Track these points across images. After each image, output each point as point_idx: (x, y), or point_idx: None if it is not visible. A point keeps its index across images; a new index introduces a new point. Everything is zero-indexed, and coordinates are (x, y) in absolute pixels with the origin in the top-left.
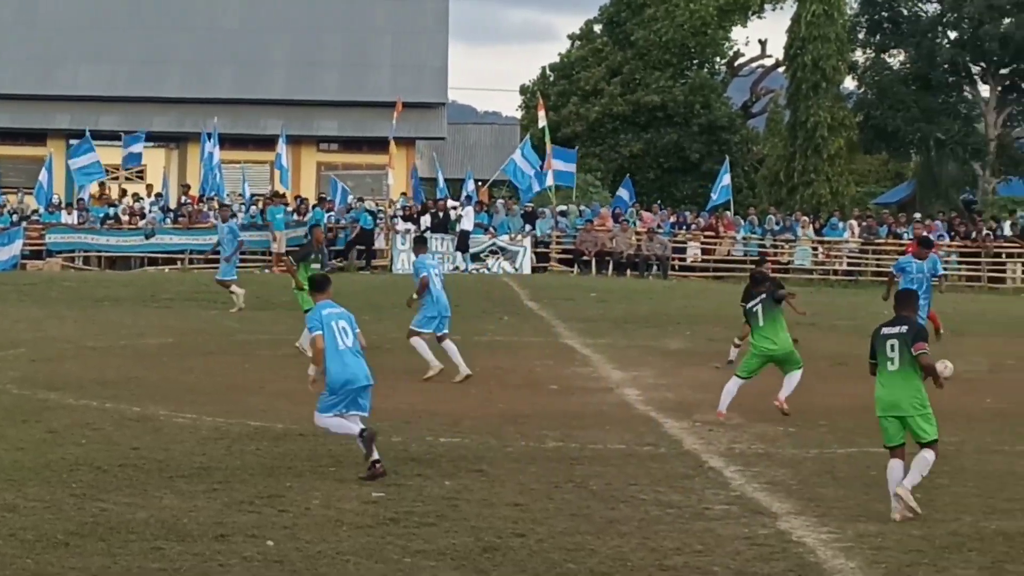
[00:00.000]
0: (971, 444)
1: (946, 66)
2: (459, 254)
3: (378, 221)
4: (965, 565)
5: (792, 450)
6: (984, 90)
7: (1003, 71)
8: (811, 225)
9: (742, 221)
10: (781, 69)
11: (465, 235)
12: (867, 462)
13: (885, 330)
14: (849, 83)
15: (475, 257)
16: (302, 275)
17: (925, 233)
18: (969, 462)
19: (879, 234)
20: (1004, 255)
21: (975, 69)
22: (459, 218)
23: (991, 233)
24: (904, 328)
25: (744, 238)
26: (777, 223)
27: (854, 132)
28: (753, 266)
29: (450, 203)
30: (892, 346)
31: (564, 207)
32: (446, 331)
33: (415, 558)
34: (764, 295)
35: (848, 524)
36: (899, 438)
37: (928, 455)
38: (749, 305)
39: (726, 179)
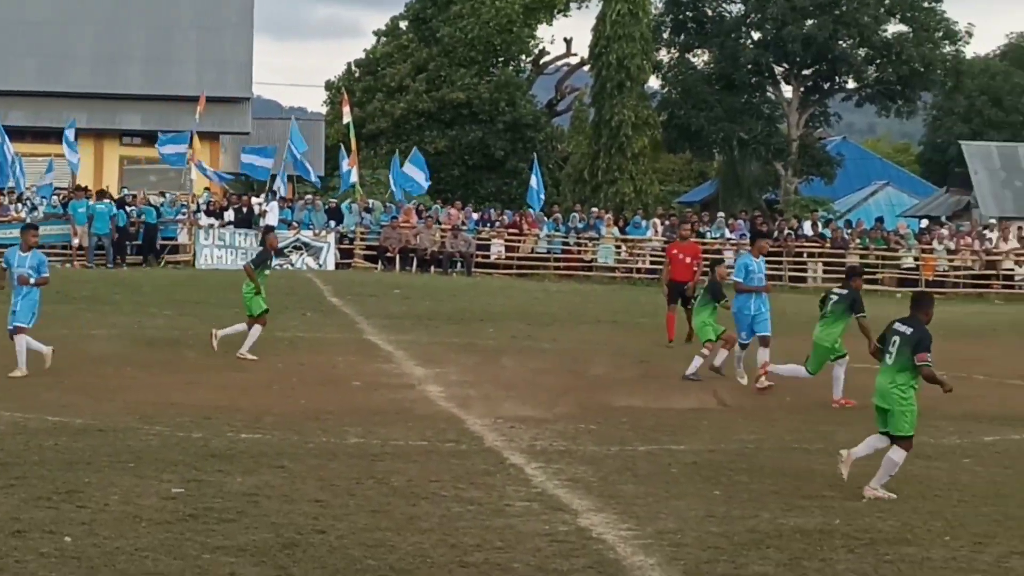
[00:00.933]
0: (770, 442)
1: (749, 66)
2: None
3: (179, 216)
4: (763, 562)
5: (593, 447)
6: (787, 91)
7: (805, 72)
8: (614, 223)
9: (546, 219)
10: (586, 68)
11: (270, 230)
12: (667, 460)
13: (896, 325)
14: (654, 82)
15: (279, 252)
16: (261, 279)
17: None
18: (768, 460)
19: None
20: (805, 255)
21: (778, 70)
22: (263, 213)
23: (792, 233)
24: (911, 331)
25: (548, 236)
26: (581, 221)
27: (658, 131)
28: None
29: (255, 200)
30: (894, 342)
31: (369, 203)
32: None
33: (215, 554)
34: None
35: (648, 521)
36: (883, 427)
37: (896, 455)
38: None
39: (533, 181)
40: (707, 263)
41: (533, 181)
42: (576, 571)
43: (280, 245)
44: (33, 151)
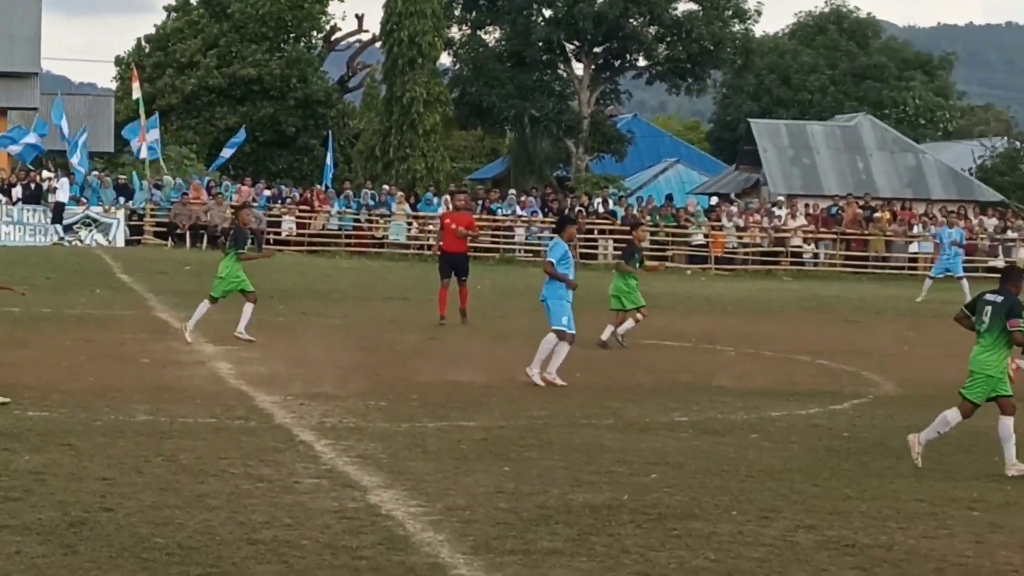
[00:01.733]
0: (560, 418)
1: (541, 44)
2: (55, 226)
3: None
4: (552, 537)
5: (383, 424)
6: (578, 68)
7: (597, 50)
8: (406, 200)
9: (337, 196)
10: (378, 44)
11: (60, 207)
12: (457, 436)
13: (987, 295)
14: (445, 59)
15: (67, 228)
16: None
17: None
18: (557, 435)
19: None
20: (596, 231)
21: (569, 47)
22: (53, 189)
23: (583, 210)
24: (1001, 299)
25: (339, 212)
26: (372, 198)
27: (449, 108)
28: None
29: (45, 174)
30: (986, 311)
31: (160, 179)
32: None
33: (0, 533)
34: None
35: (437, 497)
36: (982, 397)
37: (1007, 423)
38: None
39: (328, 158)
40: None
41: (328, 158)
42: (365, 548)
43: (68, 221)
44: None
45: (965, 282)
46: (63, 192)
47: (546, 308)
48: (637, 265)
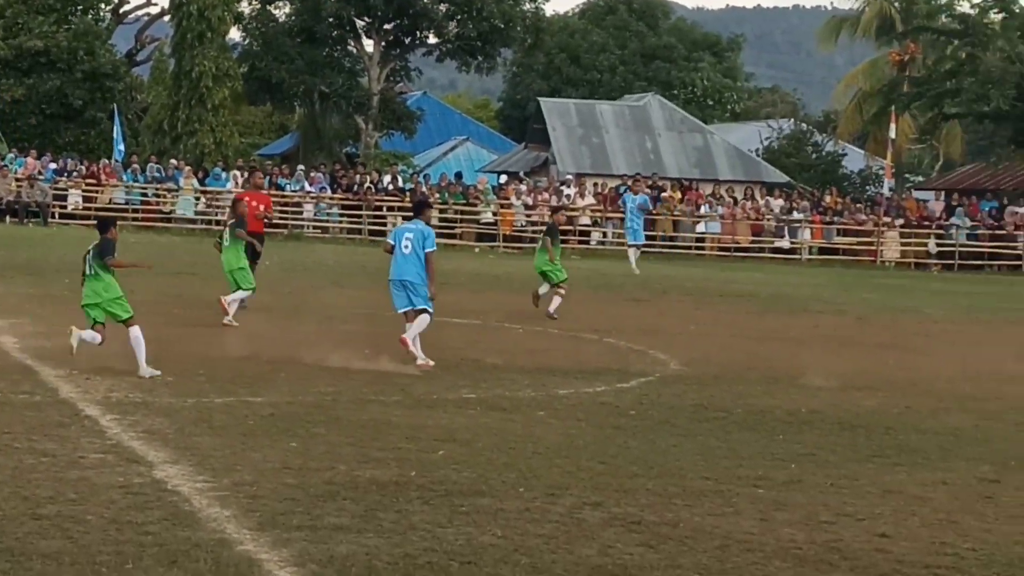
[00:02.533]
0: (348, 394)
1: (331, 20)
2: None
3: None
4: (339, 513)
5: (170, 399)
6: (368, 45)
7: (387, 27)
8: (194, 175)
9: (125, 169)
10: (167, 18)
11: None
12: (245, 412)
13: None
14: (235, 34)
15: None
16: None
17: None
18: (345, 412)
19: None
20: (385, 208)
21: (360, 24)
22: None
23: (373, 186)
24: None
25: (127, 186)
26: (159, 172)
27: (239, 83)
28: (134, 214)
29: None
30: None
31: None
32: None
33: None
34: None
35: (224, 473)
36: None
37: None
38: None
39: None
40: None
41: (116, 132)
42: (151, 523)
43: None
44: None
45: (638, 252)
46: None
47: (414, 290)
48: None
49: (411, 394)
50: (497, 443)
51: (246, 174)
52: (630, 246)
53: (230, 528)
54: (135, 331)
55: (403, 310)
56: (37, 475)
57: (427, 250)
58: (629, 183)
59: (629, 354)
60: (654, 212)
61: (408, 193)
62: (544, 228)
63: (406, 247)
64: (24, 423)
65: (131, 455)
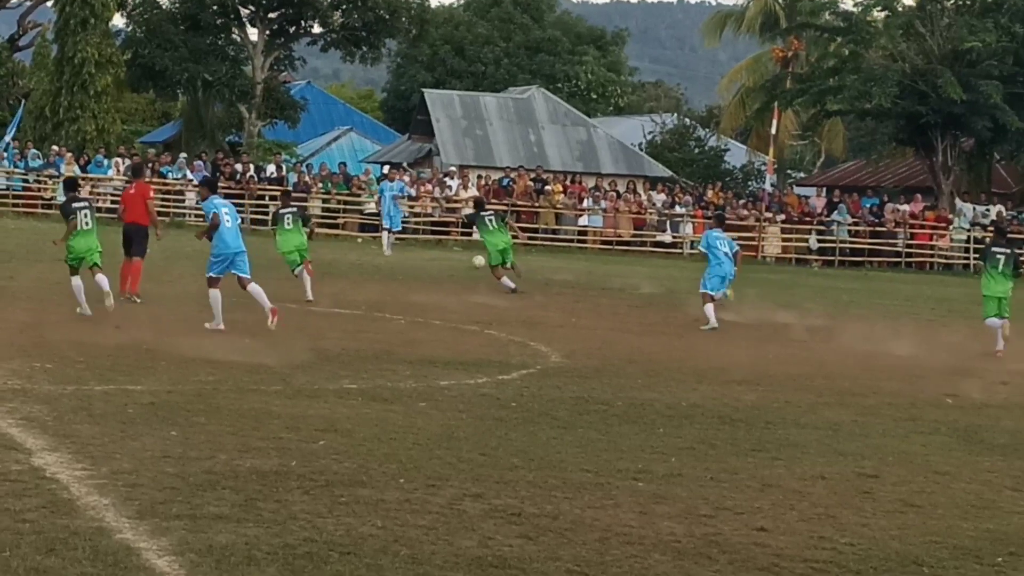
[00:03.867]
0: (228, 383)
1: (215, 7)
2: None
3: None
4: (219, 503)
5: (49, 386)
6: (252, 33)
7: (271, 15)
8: (75, 162)
9: (4, 155)
10: (50, 3)
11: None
12: (124, 400)
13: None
14: (119, 20)
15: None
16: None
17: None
18: (225, 401)
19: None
20: (267, 197)
21: (244, 12)
22: None
23: (255, 176)
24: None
25: (7, 172)
26: (40, 159)
27: (122, 69)
28: (15, 201)
29: None
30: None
31: None
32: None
33: None
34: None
35: (103, 461)
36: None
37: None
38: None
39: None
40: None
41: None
42: (29, 511)
43: None
44: None
45: (392, 237)
46: None
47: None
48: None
49: (292, 384)
50: (378, 434)
51: (127, 161)
52: (385, 230)
53: (109, 516)
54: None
55: (244, 276)
56: None
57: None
58: (386, 172)
59: (510, 346)
60: (535, 205)
61: (290, 183)
62: (494, 213)
63: (227, 220)
64: None
65: (9, 442)
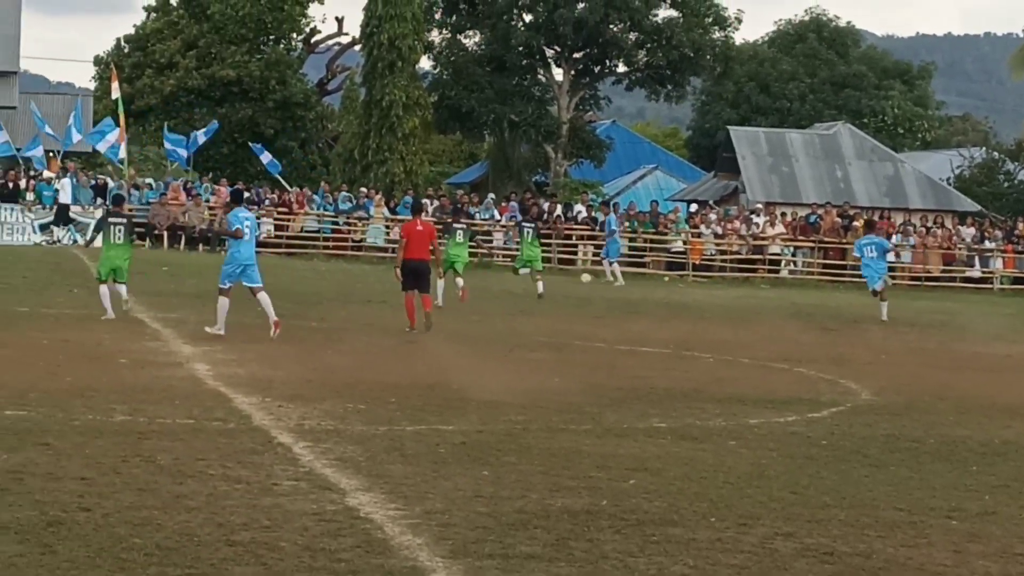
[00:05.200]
0: (538, 423)
1: (521, 48)
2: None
3: None
4: (531, 542)
5: (361, 427)
6: (558, 74)
7: (576, 55)
8: (384, 204)
9: (316, 198)
10: (357, 47)
11: (64, 208)
12: (436, 440)
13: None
14: (425, 63)
15: (44, 228)
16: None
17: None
18: (536, 440)
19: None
20: (575, 237)
21: (549, 52)
22: (58, 191)
23: (562, 216)
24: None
25: (318, 215)
26: (350, 201)
27: (429, 112)
28: (325, 243)
29: (46, 174)
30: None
31: (137, 180)
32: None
33: None
34: None
35: (416, 501)
36: None
37: None
38: None
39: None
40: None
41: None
42: (344, 550)
43: (44, 221)
44: None
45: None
46: (65, 193)
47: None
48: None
49: (601, 423)
50: (688, 472)
51: (435, 203)
52: (605, 259)
53: (422, 556)
54: None
55: (255, 286)
56: (231, 502)
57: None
58: (611, 205)
59: (820, 383)
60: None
61: (598, 223)
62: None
63: (247, 233)
64: (218, 450)
65: (324, 482)
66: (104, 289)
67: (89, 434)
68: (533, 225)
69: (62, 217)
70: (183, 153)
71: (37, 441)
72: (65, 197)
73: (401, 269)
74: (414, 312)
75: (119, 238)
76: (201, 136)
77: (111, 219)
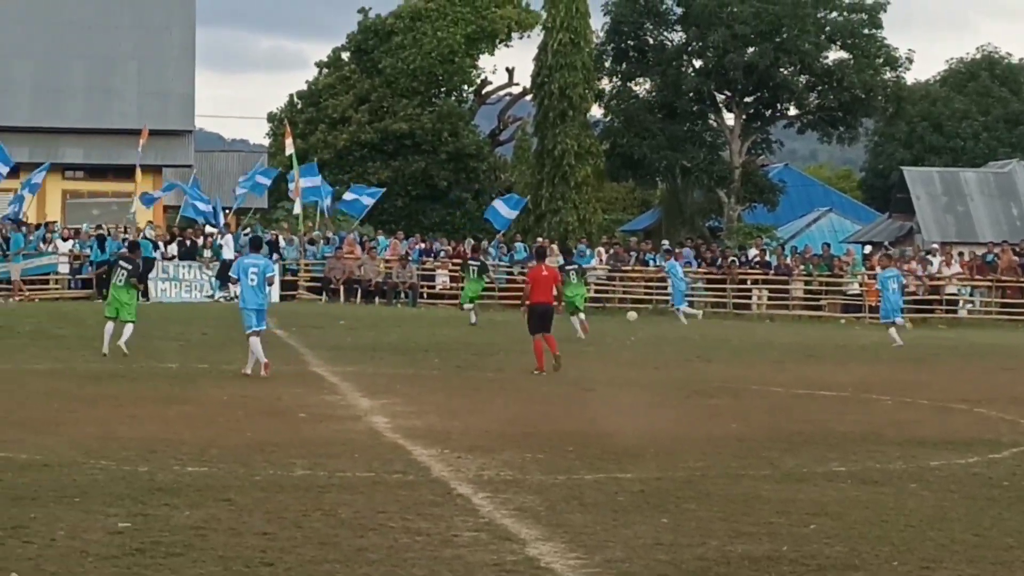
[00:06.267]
0: (717, 469)
1: (691, 94)
2: (220, 283)
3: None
4: None
5: (540, 476)
6: (729, 118)
7: (747, 100)
8: (559, 253)
9: (491, 249)
10: (529, 97)
11: (227, 264)
12: (615, 488)
13: None
14: (596, 111)
15: (222, 284)
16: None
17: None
18: (715, 486)
19: (626, 261)
20: (749, 281)
21: (720, 97)
22: (221, 247)
23: (736, 260)
24: None
25: (493, 266)
26: (525, 251)
27: (601, 160)
28: (500, 293)
29: (208, 228)
30: None
31: (314, 234)
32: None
33: None
34: None
35: (596, 550)
36: None
37: None
38: None
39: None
40: None
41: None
42: None
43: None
44: None
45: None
46: (228, 249)
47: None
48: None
49: (780, 468)
50: (868, 516)
51: (611, 251)
52: (674, 308)
53: None
54: None
55: (254, 329)
56: (412, 554)
57: (268, 274)
58: (675, 250)
59: (1000, 424)
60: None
61: (772, 267)
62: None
63: (252, 279)
64: (398, 502)
65: (504, 533)
66: (109, 326)
67: (270, 489)
68: (479, 263)
69: (224, 273)
70: (368, 201)
71: (219, 497)
72: (228, 253)
73: (528, 313)
74: (542, 355)
75: (121, 281)
76: (367, 198)
77: (120, 263)
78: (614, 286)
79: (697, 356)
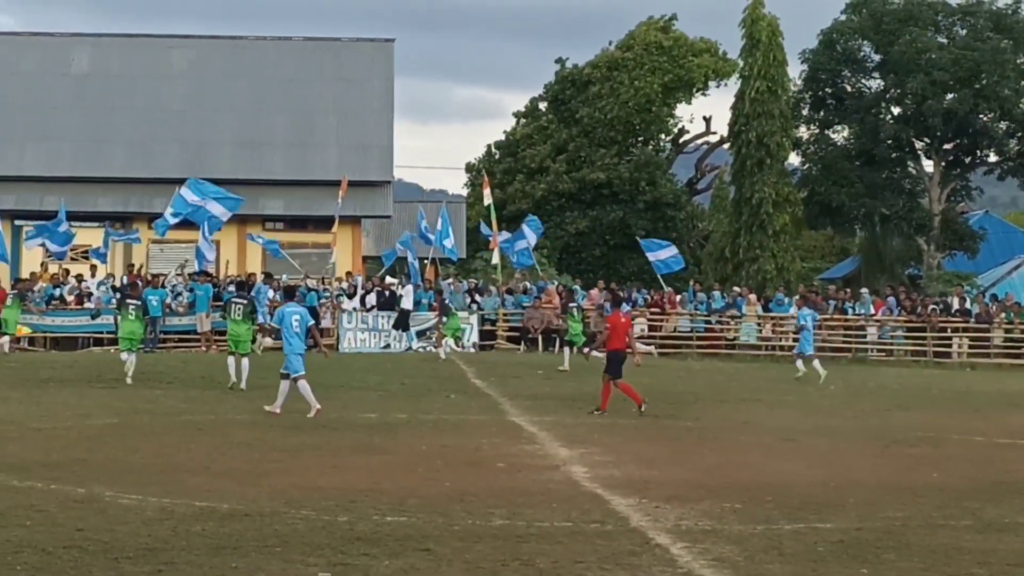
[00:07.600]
0: (917, 519)
1: (890, 142)
2: (403, 333)
3: (322, 300)
4: None
5: (739, 526)
6: (928, 165)
7: (947, 146)
8: (757, 301)
9: (690, 298)
10: (726, 145)
11: (405, 314)
12: (814, 538)
13: None
14: (794, 159)
15: (421, 334)
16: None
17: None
18: (915, 537)
19: (824, 310)
20: (949, 329)
21: (919, 144)
22: (400, 297)
23: (936, 308)
24: None
25: (690, 314)
26: (723, 299)
27: (799, 208)
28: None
29: (388, 279)
30: None
31: (512, 284)
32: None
33: None
34: None
35: None
36: None
37: None
38: None
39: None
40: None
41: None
42: None
43: (423, 327)
44: (181, 238)
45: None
46: (408, 299)
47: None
48: None
49: (981, 518)
50: None
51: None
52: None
53: None
54: None
55: (302, 373)
56: None
57: (309, 324)
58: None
59: None
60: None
61: (972, 315)
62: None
63: (295, 326)
64: (596, 552)
65: None
66: (132, 357)
67: (469, 539)
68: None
69: (402, 323)
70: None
71: (418, 547)
72: (407, 303)
73: (608, 358)
74: (608, 397)
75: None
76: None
77: (128, 299)
78: (817, 334)
79: (897, 405)
